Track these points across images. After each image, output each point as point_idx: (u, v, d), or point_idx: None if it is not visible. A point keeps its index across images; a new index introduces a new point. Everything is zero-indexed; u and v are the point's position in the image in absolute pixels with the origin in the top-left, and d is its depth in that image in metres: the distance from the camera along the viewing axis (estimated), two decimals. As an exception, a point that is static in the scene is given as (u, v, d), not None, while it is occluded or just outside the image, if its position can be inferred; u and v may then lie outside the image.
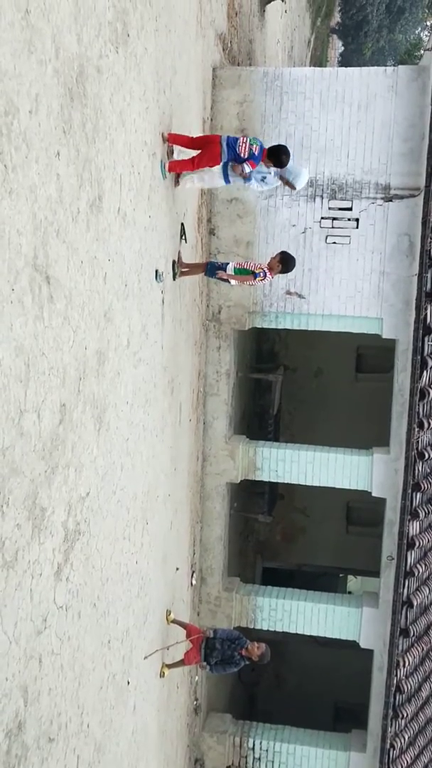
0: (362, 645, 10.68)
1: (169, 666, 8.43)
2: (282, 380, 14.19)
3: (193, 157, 7.38)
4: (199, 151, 7.37)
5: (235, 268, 7.82)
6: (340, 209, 9.98)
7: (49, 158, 4.21)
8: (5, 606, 4.08)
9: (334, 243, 10.05)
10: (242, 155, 7.26)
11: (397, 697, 10.09)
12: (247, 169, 7.28)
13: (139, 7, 5.87)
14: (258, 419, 13.91)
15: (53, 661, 4.87)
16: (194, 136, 7.78)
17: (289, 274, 10.14)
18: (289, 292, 10.24)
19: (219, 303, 10.45)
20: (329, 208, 10.01)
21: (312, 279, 10.13)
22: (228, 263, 7.95)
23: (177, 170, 7.42)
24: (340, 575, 19.73)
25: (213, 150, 7.32)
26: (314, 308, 10.19)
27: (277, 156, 7.42)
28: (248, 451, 10.80)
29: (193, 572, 10.50)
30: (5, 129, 3.64)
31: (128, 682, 6.96)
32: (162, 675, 8.27)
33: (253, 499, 13.54)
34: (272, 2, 14.27)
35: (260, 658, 8.17)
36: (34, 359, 4.17)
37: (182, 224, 8.09)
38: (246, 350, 13.03)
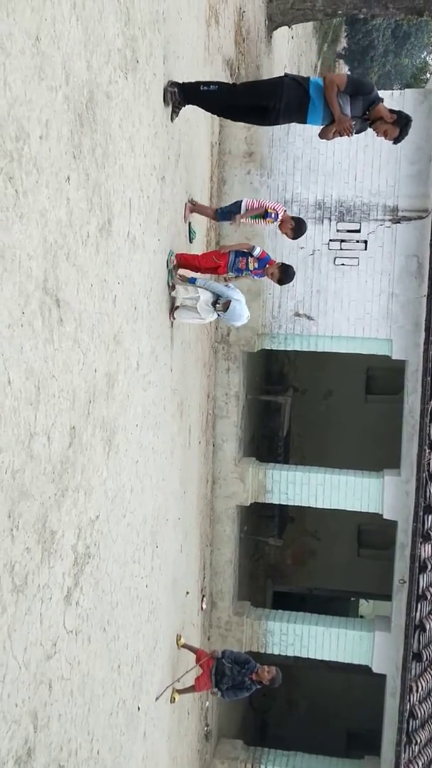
0: (374, 670, 10.55)
1: (180, 692, 8.35)
2: (291, 402, 14.18)
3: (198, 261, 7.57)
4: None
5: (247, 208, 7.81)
6: (349, 231, 10.02)
7: (59, 183, 4.24)
8: (15, 631, 4.05)
9: (343, 265, 10.07)
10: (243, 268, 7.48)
11: (411, 723, 9.94)
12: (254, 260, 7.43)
13: (147, 34, 5.94)
14: (268, 441, 13.88)
15: (63, 686, 4.83)
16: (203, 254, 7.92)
17: (297, 295, 10.20)
18: (297, 314, 10.26)
19: (228, 325, 10.47)
20: (337, 231, 10.05)
21: (321, 300, 10.15)
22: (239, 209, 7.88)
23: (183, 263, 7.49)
24: (352, 599, 19.56)
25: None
26: (323, 330, 10.19)
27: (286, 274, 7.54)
28: (258, 473, 10.76)
29: (204, 596, 10.43)
30: (16, 154, 3.68)
31: (138, 708, 6.89)
32: (172, 701, 8.19)
33: (264, 522, 13.48)
34: (279, 28, 14.43)
35: (271, 681, 8.09)
36: (44, 382, 4.18)
37: (189, 223, 8.12)
38: (255, 372, 13.04)
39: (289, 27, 15.43)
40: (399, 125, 6.70)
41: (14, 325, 3.78)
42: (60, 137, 4.22)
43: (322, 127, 6.82)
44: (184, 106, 7.00)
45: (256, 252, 7.44)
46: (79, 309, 4.71)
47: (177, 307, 7.29)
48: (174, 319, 7.37)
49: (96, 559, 5.37)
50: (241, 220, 7.78)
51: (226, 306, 7.26)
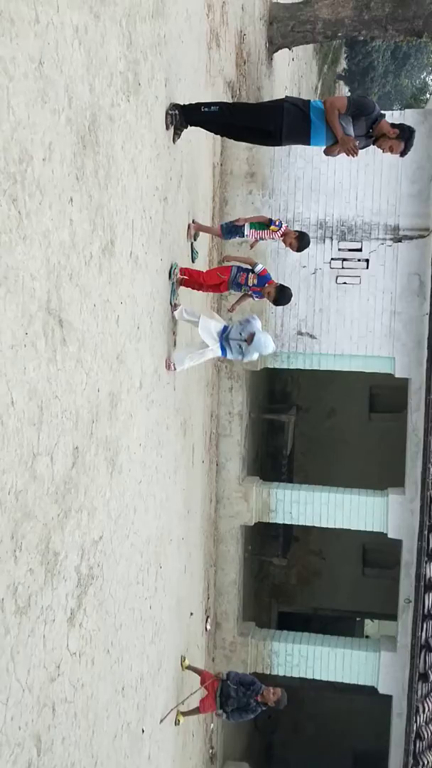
0: (381, 690, 10.46)
1: (185, 714, 8.27)
2: (295, 421, 14.17)
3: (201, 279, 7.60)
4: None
5: (250, 223, 7.82)
6: (350, 250, 10.06)
7: (62, 204, 4.27)
8: (18, 653, 4.02)
9: (345, 283, 10.10)
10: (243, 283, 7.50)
11: (417, 744, 9.84)
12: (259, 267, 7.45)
13: (149, 58, 6.00)
14: (271, 460, 13.86)
15: (67, 709, 4.79)
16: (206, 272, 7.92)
17: (300, 314, 10.22)
18: (300, 333, 10.28)
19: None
20: (339, 249, 10.09)
21: (323, 319, 10.17)
22: (242, 228, 7.88)
23: (187, 277, 7.52)
24: (357, 619, 19.42)
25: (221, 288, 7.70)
26: (326, 348, 10.20)
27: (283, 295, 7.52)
28: (262, 492, 10.73)
29: (208, 617, 10.36)
30: (19, 176, 3.70)
31: (143, 731, 6.82)
32: (177, 723, 8.11)
33: (268, 541, 13.42)
34: (280, 50, 14.57)
35: (276, 703, 8.02)
36: (47, 402, 4.18)
37: (192, 243, 8.15)
38: (258, 391, 13.04)
39: (290, 49, 15.58)
40: (403, 139, 6.72)
41: (17, 345, 3.79)
42: (63, 159, 4.25)
43: (326, 147, 6.87)
44: (187, 127, 7.05)
45: (258, 268, 7.45)
46: (82, 329, 4.72)
47: (176, 305, 7.28)
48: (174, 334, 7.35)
49: (99, 580, 5.34)
50: (247, 234, 7.80)
51: (251, 338, 7.17)
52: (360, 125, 6.67)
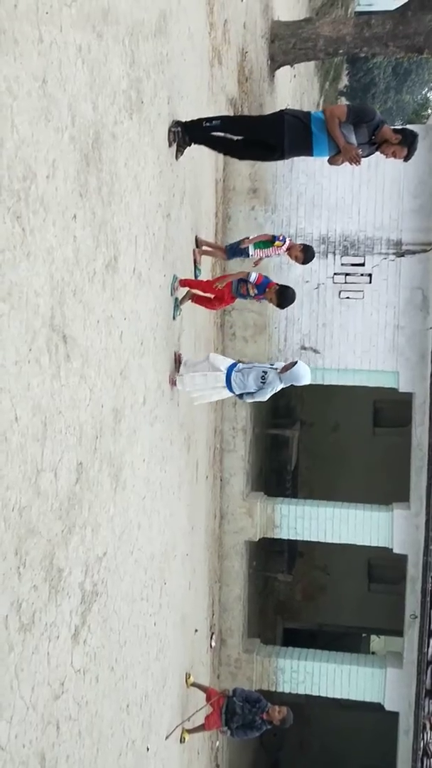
0: (387, 707, 10.38)
1: (190, 731, 8.21)
2: (299, 435, 14.15)
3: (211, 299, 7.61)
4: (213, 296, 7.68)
5: (254, 243, 7.80)
6: (353, 265, 10.09)
7: (65, 221, 4.29)
8: (22, 670, 4.00)
9: (348, 298, 10.12)
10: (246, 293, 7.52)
11: (425, 762, 9.75)
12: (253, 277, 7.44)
13: (152, 76, 6.05)
14: (276, 475, 13.83)
15: (71, 727, 4.76)
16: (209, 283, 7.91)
17: (303, 329, 10.23)
18: (304, 347, 10.29)
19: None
20: (342, 264, 10.12)
21: (327, 334, 10.18)
22: (246, 249, 7.88)
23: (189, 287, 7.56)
24: (363, 635, 19.31)
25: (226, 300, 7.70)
26: (330, 363, 10.21)
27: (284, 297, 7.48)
28: (266, 508, 10.71)
29: (213, 634, 10.31)
30: (23, 194, 3.73)
31: (148, 749, 6.77)
32: (182, 741, 8.06)
33: (273, 557, 13.37)
34: (281, 67, 14.68)
35: (282, 722, 7.96)
36: (51, 418, 4.19)
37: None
38: (262, 406, 13.02)
39: (291, 66, 15.70)
40: (406, 143, 6.72)
41: (21, 361, 3.80)
42: (66, 177, 4.28)
43: (329, 157, 6.89)
44: (190, 145, 7.10)
45: (252, 278, 7.45)
46: (86, 345, 4.74)
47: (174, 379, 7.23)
48: (176, 385, 7.26)
49: (103, 596, 5.33)
50: (252, 254, 7.82)
51: (289, 366, 7.02)
52: (362, 133, 6.68)
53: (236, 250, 7.89)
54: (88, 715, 5.10)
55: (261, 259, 7.93)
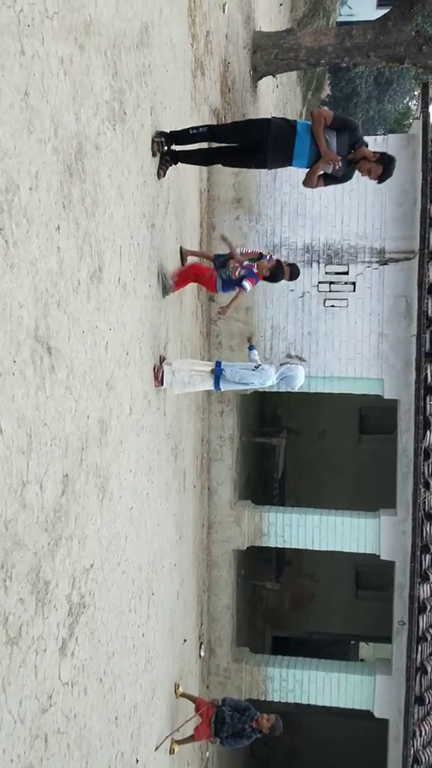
0: (377, 714, 10.37)
1: (179, 742, 8.17)
2: (286, 443, 14.15)
3: None
4: None
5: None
6: (337, 273, 10.14)
7: (49, 232, 4.29)
8: (9, 684, 3.98)
9: (332, 306, 10.16)
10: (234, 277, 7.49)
11: (416, 769, 9.75)
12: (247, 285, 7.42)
13: (135, 87, 6.07)
14: (263, 484, 13.83)
15: (59, 740, 4.73)
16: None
17: (289, 337, 10.26)
18: (289, 355, 10.31)
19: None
20: (326, 273, 10.17)
21: (312, 342, 10.21)
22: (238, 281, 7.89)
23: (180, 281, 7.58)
24: (352, 642, 19.30)
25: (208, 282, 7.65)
26: (315, 370, 10.24)
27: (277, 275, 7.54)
28: (254, 516, 10.70)
29: (201, 643, 10.28)
30: (6, 206, 3.73)
31: (137, 761, 6.74)
32: (172, 752, 8.02)
33: (261, 565, 13.36)
34: (264, 78, 14.75)
35: (271, 730, 7.95)
36: (36, 430, 4.18)
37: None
38: (249, 414, 13.04)
39: (274, 76, 15.78)
40: (382, 163, 6.84)
41: (5, 373, 3.79)
42: (50, 188, 4.28)
43: (307, 171, 6.94)
44: (175, 164, 7.16)
45: (248, 288, 7.46)
46: (71, 356, 4.73)
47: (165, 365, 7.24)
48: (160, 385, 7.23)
49: (91, 608, 5.30)
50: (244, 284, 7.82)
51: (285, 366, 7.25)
52: (343, 141, 6.79)
53: (227, 282, 7.80)
54: (77, 727, 5.07)
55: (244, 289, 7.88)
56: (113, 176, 5.54)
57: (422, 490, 9.60)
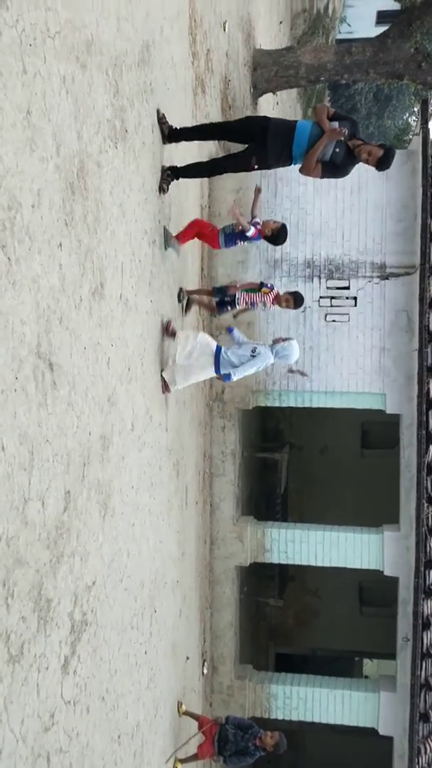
0: (381, 732, 10.29)
1: (183, 761, 8.11)
2: (288, 459, 14.13)
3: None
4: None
5: (241, 290, 7.87)
6: (338, 288, 10.16)
7: (51, 249, 4.31)
8: (11, 703, 3.95)
9: (334, 321, 10.17)
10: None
11: (421, 788, 9.65)
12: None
13: (136, 105, 6.12)
14: (265, 499, 13.78)
15: (62, 759, 4.69)
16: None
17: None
18: (291, 370, 10.31)
19: (222, 383, 10.50)
20: (327, 288, 10.19)
21: (314, 357, 10.22)
22: (234, 295, 7.94)
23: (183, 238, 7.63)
24: (356, 659, 19.18)
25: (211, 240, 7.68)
26: (317, 385, 10.24)
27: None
28: (257, 532, 10.66)
29: (204, 661, 10.22)
30: (8, 223, 3.75)
31: (140, 780, 6.68)
32: (175, 771, 7.96)
33: (264, 582, 13.29)
34: (264, 95, 14.85)
35: (275, 747, 7.90)
36: (38, 446, 4.17)
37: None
38: (251, 429, 13.03)
39: (274, 93, 15.89)
40: (383, 147, 6.89)
41: (7, 390, 3.79)
42: (52, 205, 4.30)
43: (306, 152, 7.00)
44: (176, 179, 7.23)
45: (250, 232, 7.48)
46: (73, 372, 4.73)
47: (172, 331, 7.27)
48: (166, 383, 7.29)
49: (93, 626, 5.28)
50: (239, 298, 7.88)
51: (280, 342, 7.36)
52: (343, 127, 6.88)
53: (224, 301, 7.88)
54: (79, 746, 5.03)
55: (246, 306, 7.95)
56: (115, 193, 5.57)
57: (425, 505, 9.57)
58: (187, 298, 8.20)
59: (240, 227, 7.43)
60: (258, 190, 7.71)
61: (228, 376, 7.42)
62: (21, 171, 3.87)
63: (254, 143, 7.10)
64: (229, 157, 7.46)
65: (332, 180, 10.02)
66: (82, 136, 4.81)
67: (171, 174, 7.13)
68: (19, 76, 3.83)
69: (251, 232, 7.41)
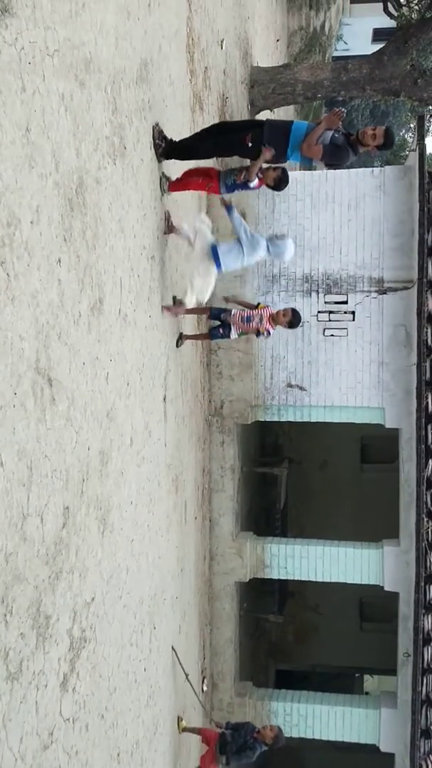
0: (382, 748, 10.21)
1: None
2: (287, 473, 14.09)
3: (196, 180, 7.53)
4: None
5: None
6: (336, 303, 10.19)
7: (50, 265, 4.32)
8: (10, 720, 3.92)
9: (332, 335, 10.19)
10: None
11: (423, 805, 9.56)
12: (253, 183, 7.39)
13: (134, 122, 6.16)
14: (265, 514, 13.74)
15: (60, 778, 4.65)
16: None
17: (289, 367, 10.28)
18: (290, 385, 10.32)
19: (221, 398, 10.51)
20: (325, 302, 10.22)
21: (312, 371, 10.23)
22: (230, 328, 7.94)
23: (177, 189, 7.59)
24: (357, 675, 19.06)
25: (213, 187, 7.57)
26: (316, 400, 10.24)
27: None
28: (256, 548, 10.63)
29: (204, 677, 10.15)
30: (8, 239, 3.76)
31: (139, 799, 6.62)
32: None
33: (263, 598, 13.21)
34: (261, 112, 14.94)
35: (274, 740, 7.96)
36: (36, 462, 4.17)
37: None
38: (250, 444, 13.01)
39: (271, 110, 15.97)
40: (385, 128, 7.06)
41: (6, 405, 3.79)
42: (51, 222, 4.32)
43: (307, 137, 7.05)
44: (169, 158, 7.24)
45: (252, 184, 7.43)
46: (72, 387, 4.74)
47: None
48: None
49: (92, 643, 5.25)
50: (233, 315, 7.88)
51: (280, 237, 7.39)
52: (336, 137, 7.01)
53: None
54: (79, 764, 4.99)
55: (244, 325, 7.91)
56: (114, 210, 5.59)
57: (425, 519, 9.55)
58: (179, 335, 8.18)
59: (243, 178, 7.37)
60: (224, 202, 7.70)
61: (219, 265, 7.37)
62: (20, 187, 3.89)
63: (251, 137, 7.19)
64: (225, 131, 7.50)
65: (329, 195, 10.09)
66: (81, 153, 4.84)
67: (166, 144, 7.11)
68: (19, 93, 3.86)
69: (254, 183, 7.40)
